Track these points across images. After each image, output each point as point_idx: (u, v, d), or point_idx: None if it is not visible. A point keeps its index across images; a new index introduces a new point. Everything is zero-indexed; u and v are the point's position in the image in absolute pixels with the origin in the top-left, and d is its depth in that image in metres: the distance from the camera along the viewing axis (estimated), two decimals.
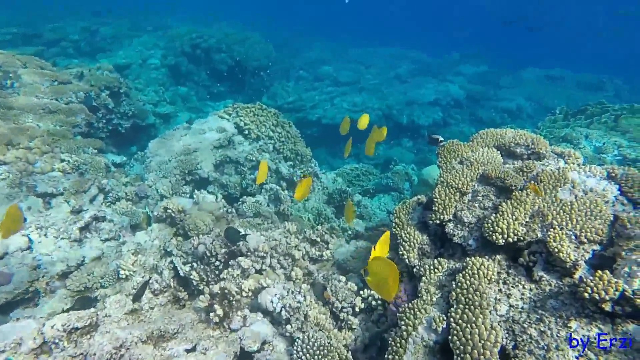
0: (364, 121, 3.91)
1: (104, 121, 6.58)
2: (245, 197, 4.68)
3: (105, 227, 4.00)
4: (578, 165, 3.29)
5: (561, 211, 2.58)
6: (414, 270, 2.92)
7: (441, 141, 3.90)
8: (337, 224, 5.33)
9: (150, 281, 3.26)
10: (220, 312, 2.86)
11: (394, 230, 3.25)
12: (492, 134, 3.72)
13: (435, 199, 3.06)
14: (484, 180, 3.08)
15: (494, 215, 2.68)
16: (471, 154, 3.52)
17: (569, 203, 2.62)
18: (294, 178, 5.65)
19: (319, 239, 3.70)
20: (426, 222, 3.21)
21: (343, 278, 3.21)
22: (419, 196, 3.57)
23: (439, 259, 2.84)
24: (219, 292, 2.92)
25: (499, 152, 3.43)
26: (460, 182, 3.05)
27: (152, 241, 3.76)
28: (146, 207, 4.53)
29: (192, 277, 3.20)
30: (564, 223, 2.50)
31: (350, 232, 4.54)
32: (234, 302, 2.92)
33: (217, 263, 3.23)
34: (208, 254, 3.20)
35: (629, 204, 2.81)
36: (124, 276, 3.46)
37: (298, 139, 6.65)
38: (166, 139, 5.71)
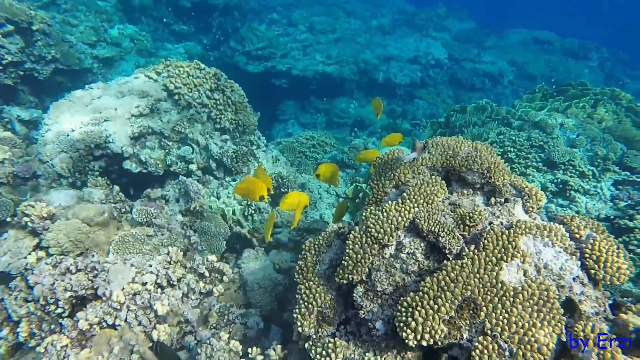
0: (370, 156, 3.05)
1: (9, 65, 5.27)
2: (149, 190, 3.72)
3: None
4: (539, 208, 2.46)
5: (499, 305, 1.79)
6: (306, 346, 2.15)
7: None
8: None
9: None
10: None
11: (296, 276, 2.43)
12: (443, 149, 2.80)
13: (347, 250, 2.21)
14: (414, 229, 2.23)
15: (409, 300, 1.86)
16: (411, 179, 2.63)
17: (511, 293, 1.81)
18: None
19: (207, 272, 2.86)
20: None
21: (225, 336, 2.44)
22: (339, 224, 2.72)
23: (335, 340, 2.06)
24: None
25: (444, 182, 2.55)
26: (382, 230, 2.19)
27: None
28: (27, 194, 3.55)
29: (19, 330, 2.36)
30: (500, 328, 1.72)
31: (273, 239, 3.72)
32: None
33: (60, 311, 2.40)
34: (44, 300, 2.35)
35: (589, 284, 2.04)
36: None
37: (242, 106, 5.52)
38: (73, 102, 4.55)
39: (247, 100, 5.54)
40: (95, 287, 2.47)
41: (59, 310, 2.40)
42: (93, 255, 2.67)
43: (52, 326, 2.37)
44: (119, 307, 2.39)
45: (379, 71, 12.28)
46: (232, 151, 4.83)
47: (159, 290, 2.59)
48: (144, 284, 2.54)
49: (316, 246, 2.55)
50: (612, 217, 4.58)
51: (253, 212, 4.48)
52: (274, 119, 11.72)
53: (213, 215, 3.78)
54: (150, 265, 2.66)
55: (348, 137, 9.13)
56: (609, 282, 2.02)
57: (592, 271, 2.03)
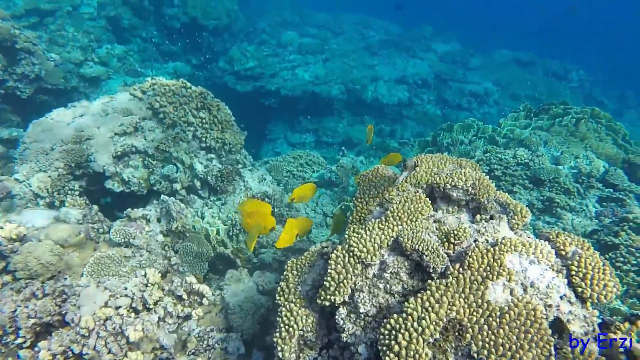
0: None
1: None
2: (129, 209, 3.60)
3: None
4: (524, 225, 2.42)
5: (485, 326, 1.72)
6: None
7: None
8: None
9: None
10: None
11: (277, 298, 2.33)
12: (427, 166, 2.78)
13: (329, 270, 2.13)
14: (398, 247, 2.17)
15: (392, 322, 1.78)
16: (395, 197, 2.58)
17: (498, 313, 1.75)
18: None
19: (185, 295, 2.74)
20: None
21: None
22: (323, 244, 2.64)
23: None
24: None
25: (429, 199, 2.51)
26: (365, 249, 2.12)
27: None
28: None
29: None
30: (486, 351, 1.64)
31: (257, 259, 3.61)
32: None
33: (20, 341, 2.24)
34: (0, 330, 2.19)
35: (577, 303, 1.98)
36: None
37: (228, 125, 5.47)
38: (53, 120, 4.45)
39: (233, 119, 5.50)
40: (63, 312, 2.33)
41: (19, 340, 2.24)
42: (65, 279, 2.54)
43: (9, 359, 2.20)
44: (87, 334, 2.24)
45: (367, 91, 12.43)
46: (217, 170, 4.76)
47: (133, 314, 2.45)
48: (118, 308, 2.40)
49: (298, 266, 2.46)
50: (597, 234, 4.58)
51: (238, 232, 4.38)
52: (262, 139, 11.72)
53: (196, 236, 3.67)
54: (126, 288, 2.53)
55: (337, 156, 9.12)
56: (596, 300, 1.97)
57: (579, 289, 1.98)
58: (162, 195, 3.86)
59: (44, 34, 7.23)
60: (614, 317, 3.72)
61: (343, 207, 5.60)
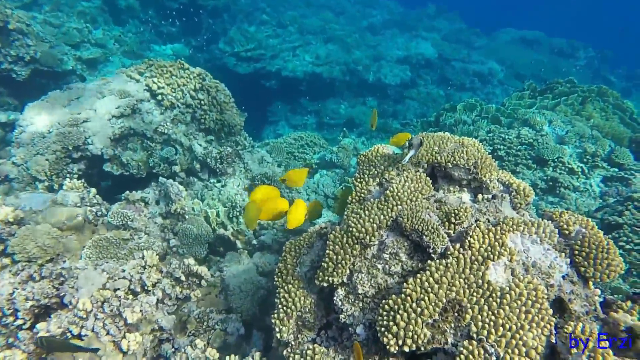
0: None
1: None
2: (127, 192, 3.56)
3: None
4: (527, 204, 2.37)
5: (486, 307, 1.68)
6: (284, 353, 2.03)
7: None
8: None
9: None
10: None
11: (275, 279, 2.31)
12: (429, 145, 2.70)
13: (327, 251, 2.10)
14: (397, 228, 2.12)
15: (391, 303, 1.75)
16: (395, 177, 2.52)
17: (498, 293, 1.71)
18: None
19: (183, 277, 2.73)
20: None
21: (200, 344, 2.31)
22: (322, 224, 2.60)
23: (314, 347, 1.94)
24: None
25: (430, 179, 2.45)
26: (364, 230, 2.07)
27: None
28: None
29: None
30: (486, 331, 1.61)
31: (257, 240, 3.59)
32: None
33: (19, 322, 2.24)
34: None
35: (579, 282, 1.94)
36: None
37: (228, 106, 5.37)
38: (49, 103, 4.38)
39: (233, 100, 5.39)
40: (61, 295, 2.32)
41: (19, 322, 2.24)
42: (64, 262, 2.53)
43: (10, 339, 2.21)
44: (85, 316, 2.24)
45: (369, 71, 12.20)
46: (217, 152, 4.70)
47: (131, 297, 2.45)
48: (116, 290, 2.40)
49: (297, 247, 2.43)
50: (601, 211, 4.52)
51: (238, 213, 4.35)
52: (264, 121, 11.59)
53: (195, 218, 3.64)
54: (124, 271, 2.52)
55: (338, 138, 9.04)
56: (599, 280, 1.93)
57: (582, 268, 1.93)
58: (160, 178, 3.81)
59: (38, 15, 7.07)
60: (615, 296, 3.70)
61: (344, 188, 5.56)
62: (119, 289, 2.40)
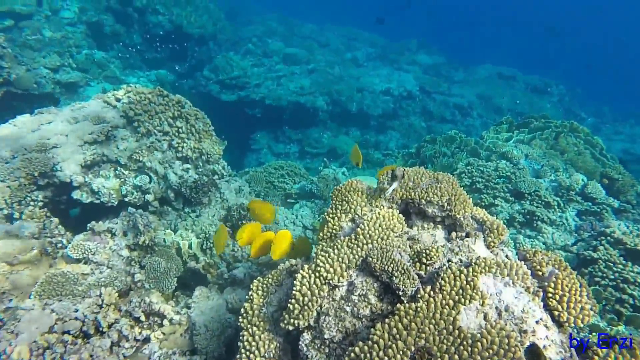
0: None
1: None
2: (93, 222, 3.39)
3: None
4: (501, 243, 2.32)
5: (456, 356, 1.59)
6: None
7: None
8: (230, 250, 4.22)
9: None
10: None
11: (240, 320, 2.17)
12: (404, 180, 2.66)
13: (294, 292, 1.99)
14: (367, 268, 2.03)
15: (357, 350, 1.64)
16: (368, 213, 2.45)
17: (469, 341, 1.62)
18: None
19: (143, 316, 2.56)
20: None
21: None
22: (292, 261, 2.49)
23: None
24: None
25: (403, 215, 2.40)
26: (332, 270, 1.98)
27: None
28: None
29: None
30: None
31: (227, 274, 3.43)
32: None
33: None
34: None
35: (553, 327, 1.87)
36: None
37: (206, 135, 5.30)
38: (17, 127, 4.23)
39: (212, 128, 5.33)
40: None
41: None
42: (10, 301, 2.33)
43: None
44: None
45: (352, 102, 12.41)
46: (192, 181, 4.58)
47: (80, 340, 2.25)
48: (64, 333, 2.20)
49: (265, 286, 2.30)
50: (576, 248, 4.54)
51: (212, 244, 4.19)
52: (247, 149, 11.54)
53: (165, 250, 3.48)
54: (76, 310, 2.33)
55: (319, 168, 9.03)
56: (572, 324, 1.87)
57: (556, 312, 1.87)
58: (130, 208, 3.66)
59: (18, 38, 6.99)
60: (592, 334, 3.64)
61: (321, 220, 5.47)
62: (69, 331, 2.21)
